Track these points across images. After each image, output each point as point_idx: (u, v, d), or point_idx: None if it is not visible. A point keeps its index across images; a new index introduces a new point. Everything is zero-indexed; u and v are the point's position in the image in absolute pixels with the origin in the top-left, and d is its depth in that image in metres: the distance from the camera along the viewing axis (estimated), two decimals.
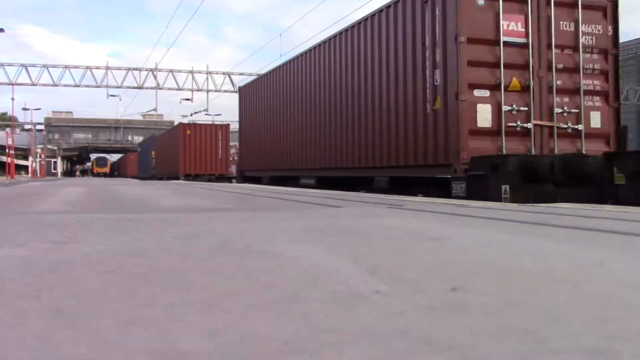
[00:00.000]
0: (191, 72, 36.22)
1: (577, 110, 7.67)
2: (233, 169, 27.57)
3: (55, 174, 60.02)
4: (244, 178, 18.59)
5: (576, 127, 7.65)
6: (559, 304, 1.10)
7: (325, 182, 11.99)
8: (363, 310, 1.05)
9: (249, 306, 1.09)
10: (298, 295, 1.18)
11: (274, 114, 15.55)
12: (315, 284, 1.30)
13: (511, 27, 7.52)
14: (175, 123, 37.95)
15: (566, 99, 7.69)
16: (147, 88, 35.54)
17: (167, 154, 30.50)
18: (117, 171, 73.47)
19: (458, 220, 3.01)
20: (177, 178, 26.16)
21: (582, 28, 7.76)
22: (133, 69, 35.24)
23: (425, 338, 0.87)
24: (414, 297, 1.17)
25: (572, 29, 7.77)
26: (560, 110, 7.60)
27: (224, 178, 25.30)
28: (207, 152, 27.01)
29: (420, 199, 5.91)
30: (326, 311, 1.05)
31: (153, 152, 36.10)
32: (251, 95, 18.10)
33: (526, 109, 7.45)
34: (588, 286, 1.28)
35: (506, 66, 7.41)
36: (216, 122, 30.97)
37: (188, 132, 26.85)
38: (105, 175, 72.47)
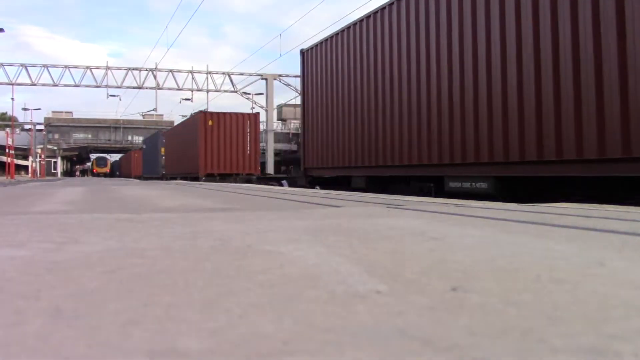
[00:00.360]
0: (191, 72, 36.30)
1: None
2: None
3: (55, 174, 60.10)
4: (310, 180, 12.99)
5: None
6: (559, 304, 1.10)
7: (517, 187, 6.84)
8: (362, 310, 1.05)
9: (249, 306, 1.09)
10: (298, 295, 1.18)
11: (374, 81, 9.95)
12: (315, 284, 1.30)
13: None
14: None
15: None
16: (147, 88, 35.64)
17: (183, 149, 25.43)
18: (118, 171, 72.97)
19: (458, 220, 3.01)
20: (196, 178, 21.78)
21: None
22: (133, 69, 35.30)
23: (425, 338, 0.87)
24: (413, 297, 1.17)
25: None
26: None
27: (268, 179, 19.90)
28: (233, 147, 22.03)
29: (420, 198, 5.91)
30: (326, 311, 1.05)
31: (162, 149, 32.11)
32: (324, 58, 12.26)
33: None
34: (588, 286, 1.28)
35: None
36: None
37: (210, 122, 21.79)
38: (105, 175, 72.50)
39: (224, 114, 22.49)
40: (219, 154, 21.94)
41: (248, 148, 22.19)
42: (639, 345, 0.85)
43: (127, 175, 55.23)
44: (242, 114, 22.72)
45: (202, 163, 21.78)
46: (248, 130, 22.16)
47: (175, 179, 26.23)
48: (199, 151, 21.89)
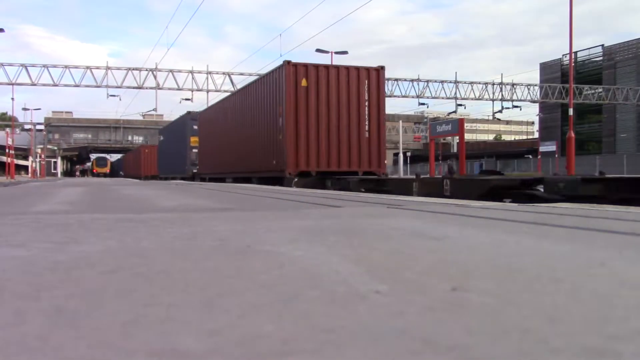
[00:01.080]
0: (191, 72, 36.24)
1: None
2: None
3: (55, 174, 60.09)
4: None
5: None
6: (559, 304, 1.10)
7: None
8: (363, 310, 1.05)
9: (249, 306, 1.09)
10: (298, 295, 1.18)
11: None
12: (315, 284, 1.30)
13: None
14: None
15: None
16: (147, 88, 35.58)
17: (240, 134, 16.32)
18: (121, 171, 71.95)
19: (458, 220, 3.01)
20: (276, 180, 12.91)
21: None
22: (133, 69, 35.27)
23: (425, 338, 0.87)
24: (413, 297, 1.17)
25: None
26: None
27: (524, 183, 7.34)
28: (342, 127, 12.76)
29: (420, 198, 5.91)
30: (326, 311, 1.05)
31: (193, 139, 24.15)
32: None
33: None
34: (588, 286, 1.28)
35: None
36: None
37: (304, 82, 12.56)
38: (105, 175, 72.41)
39: (326, 67, 13.03)
40: (318, 138, 12.70)
41: (367, 128, 12.79)
42: (639, 345, 0.85)
43: (135, 176, 47.31)
44: (357, 68, 13.02)
45: (291, 154, 12.63)
46: (367, 97, 12.69)
47: (222, 180, 17.97)
48: (285, 134, 12.68)
